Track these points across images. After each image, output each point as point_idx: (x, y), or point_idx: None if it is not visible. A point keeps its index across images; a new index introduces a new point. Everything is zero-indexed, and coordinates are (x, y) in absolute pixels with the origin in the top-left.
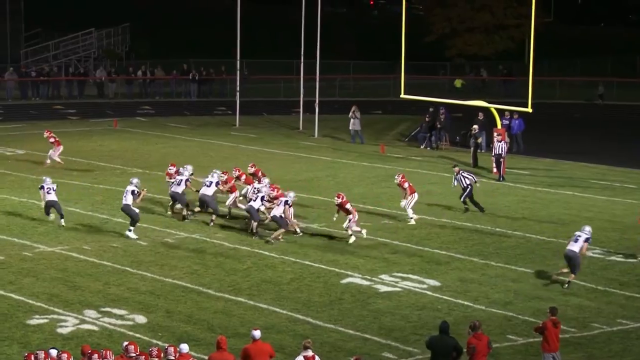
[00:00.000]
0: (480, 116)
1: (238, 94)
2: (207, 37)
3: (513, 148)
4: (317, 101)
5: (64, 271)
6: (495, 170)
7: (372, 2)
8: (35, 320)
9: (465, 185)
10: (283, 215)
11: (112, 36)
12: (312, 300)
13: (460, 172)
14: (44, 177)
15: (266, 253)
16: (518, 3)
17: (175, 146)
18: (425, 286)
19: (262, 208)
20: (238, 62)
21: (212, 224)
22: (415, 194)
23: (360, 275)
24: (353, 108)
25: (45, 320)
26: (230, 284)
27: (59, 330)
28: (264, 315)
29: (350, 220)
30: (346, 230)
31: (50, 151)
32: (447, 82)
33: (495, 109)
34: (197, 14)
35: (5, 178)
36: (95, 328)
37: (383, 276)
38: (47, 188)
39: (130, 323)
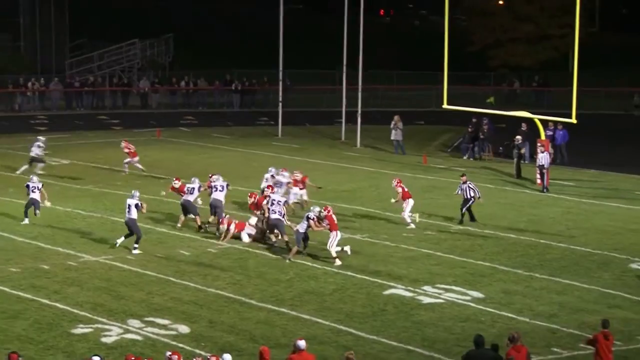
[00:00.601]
0: (524, 127)
1: (280, 104)
2: (250, 47)
3: (557, 159)
4: (359, 111)
5: (108, 281)
6: (539, 181)
7: (382, 12)
8: (79, 330)
9: (469, 196)
10: (302, 230)
11: (155, 47)
12: (355, 312)
13: (468, 182)
14: (30, 176)
15: (309, 264)
16: (562, 13)
17: (217, 156)
18: (468, 298)
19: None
20: (281, 73)
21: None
22: (410, 200)
23: (403, 287)
24: (395, 118)
25: (90, 330)
26: (272, 294)
27: (103, 339)
28: (307, 326)
29: (332, 238)
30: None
31: (128, 159)
32: (491, 92)
33: (539, 119)
34: (239, 25)
35: (50, 188)
36: (138, 337)
37: (426, 287)
38: (32, 187)
39: (174, 333)
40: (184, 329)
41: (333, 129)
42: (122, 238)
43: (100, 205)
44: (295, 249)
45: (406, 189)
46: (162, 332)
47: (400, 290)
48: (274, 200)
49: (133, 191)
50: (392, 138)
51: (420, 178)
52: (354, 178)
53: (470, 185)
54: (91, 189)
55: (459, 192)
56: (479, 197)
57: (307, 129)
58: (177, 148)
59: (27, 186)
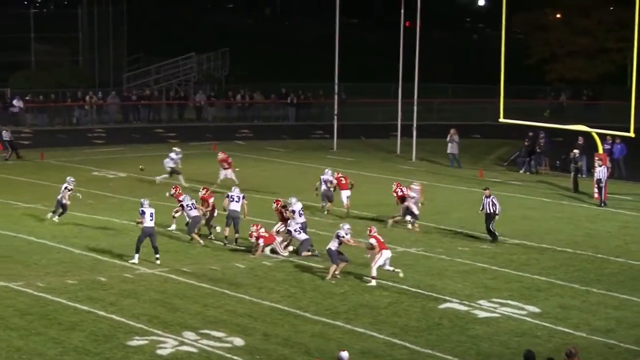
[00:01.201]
0: (581, 140)
1: (336, 117)
2: (306, 60)
3: (615, 173)
4: (414, 124)
5: (163, 293)
6: (596, 195)
7: (407, 24)
8: (135, 342)
9: (491, 211)
10: (336, 248)
11: (211, 60)
12: (410, 325)
13: (491, 197)
14: (67, 177)
15: (363, 277)
16: (620, 27)
17: (272, 169)
18: (524, 312)
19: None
20: (336, 86)
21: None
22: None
23: (458, 301)
24: (451, 131)
25: (145, 342)
26: (327, 307)
27: (159, 351)
28: (361, 339)
29: (378, 258)
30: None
31: (224, 172)
32: (548, 106)
33: (596, 133)
34: (295, 38)
35: (107, 200)
36: (194, 350)
37: (481, 302)
38: (68, 189)
39: (229, 345)
40: (238, 341)
41: (388, 142)
42: (157, 256)
43: (158, 218)
44: (333, 268)
45: (402, 193)
46: (217, 344)
47: (455, 304)
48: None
49: (142, 200)
50: (448, 151)
51: (475, 192)
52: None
53: (493, 200)
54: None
55: (482, 208)
56: (497, 214)
57: (363, 142)
58: (233, 161)
59: (65, 188)
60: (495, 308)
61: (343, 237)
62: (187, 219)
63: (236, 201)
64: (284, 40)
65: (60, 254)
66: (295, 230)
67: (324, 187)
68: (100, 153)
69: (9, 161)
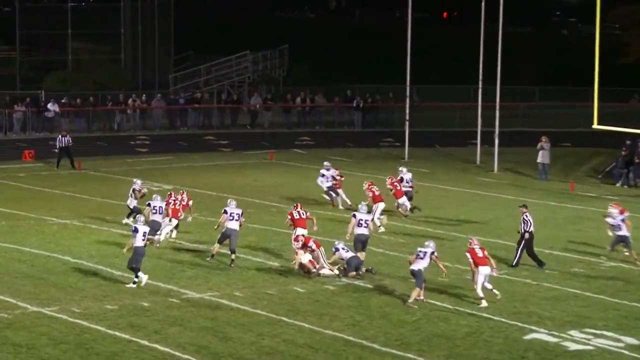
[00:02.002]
0: None
1: (407, 123)
2: (373, 59)
3: None
4: (496, 131)
5: (213, 320)
6: None
7: (445, 14)
8: None
9: (522, 230)
10: (422, 270)
11: (268, 59)
12: (491, 358)
13: (524, 213)
14: (134, 179)
15: (438, 303)
16: None
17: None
18: (622, 345)
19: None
20: (408, 88)
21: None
22: (381, 203)
23: (546, 331)
24: (542, 139)
25: None
26: (397, 337)
27: None
28: None
29: (478, 276)
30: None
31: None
32: None
33: None
34: (361, 35)
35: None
36: None
37: (573, 332)
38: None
39: None
40: None
41: (467, 152)
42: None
43: (205, 235)
44: (416, 291)
45: (377, 192)
46: None
47: (543, 335)
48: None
49: (137, 216)
50: (539, 160)
51: (567, 207)
52: (489, 207)
53: (524, 218)
54: (196, 218)
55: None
56: (526, 231)
57: (437, 151)
58: (292, 172)
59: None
60: (589, 339)
61: (436, 256)
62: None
63: (235, 219)
64: (349, 36)
65: (99, 277)
66: (343, 248)
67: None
68: (144, 163)
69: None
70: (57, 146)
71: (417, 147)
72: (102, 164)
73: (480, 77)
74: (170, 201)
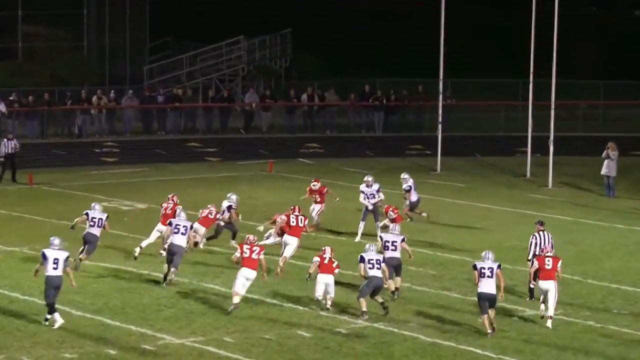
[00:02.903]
0: None
1: (440, 126)
2: (398, 47)
3: None
4: (551, 137)
5: None
6: None
7: None
8: None
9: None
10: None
11: (267, 47)
12: None
13: (535, 234)
14: (228, 194)
15: (479, 351)
16: None
17: (351, 199)
18: None
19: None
20: (441, 83)
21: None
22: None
23: None
24: (609, 146)
25: None
26: None
27: None
28: None
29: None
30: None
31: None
32: None
33: None
34: (382, 16)
35: (120, 241)
36: None
37: None
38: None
39: None
40: None
41: (514, 162)
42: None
43: (188, 267)
44: (487, 318)
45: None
46: None
47: None
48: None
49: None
50: (604, 172)
51: (638, 231)
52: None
53: (535, 239)
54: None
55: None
56: (529, 258)
57: (477, 162)
58: (296, 187)
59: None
60: None
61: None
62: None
63: (182, 233)
64: (367, 18)
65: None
66: (370, 261)
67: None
68: (112, 176)
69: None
70: (2, 152)
71: (452, 156)
72: (60, 177)
73: (532, 69)
74: (166, 205)
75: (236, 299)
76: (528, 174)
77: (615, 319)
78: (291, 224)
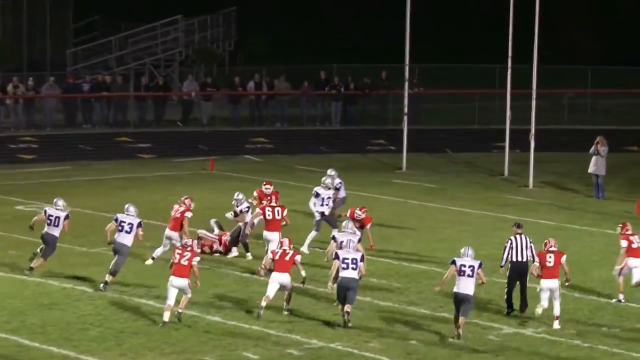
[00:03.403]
0: None
1: (406, 118)
2: (358, 28)
3: None
4: (532, 130)
5: None
6: None
7: None
8: None
9: (508, 259)
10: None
11: (208, 28)
12: None
13: (517, 236)
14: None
15: None
16: None
17: (304, 202)
18: None
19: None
20: (407, 69)
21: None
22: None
23: None
24: (597, 140)
25: None
26: None
27: None
28: None
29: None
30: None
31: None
32: None
33: None
34: None
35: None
36: None
37: None
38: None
39: None
40: None
41: (490, 159)
42: None
43: (118, 279)
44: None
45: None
46: None
47: None
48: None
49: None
50: (591, 171)
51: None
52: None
53: (510, 243)
54: (105, 254)
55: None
56: (502, 265)
57: (449, 158)
58: (241, 188)
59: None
60: None
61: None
62: None
63: (127, 231)
64: None
65: None
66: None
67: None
68: (30, 175)
69: None
70: None
71: (421, 152)
72: None
73: (510, 52)
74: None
75: (166, 315)
76: (506, 173)
77: (604, 339)
78: (267, 217)
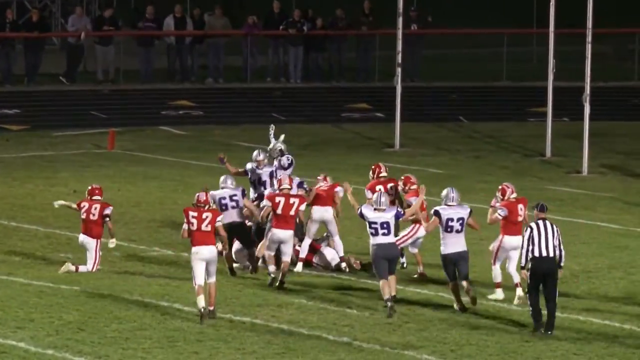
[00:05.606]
0: None
1: (399, 71)
2: None
3: None
4: (587, 90)
5: None
6: None
7: None
8: None
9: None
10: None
11: None
12: None
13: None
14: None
15: None
16: None
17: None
18: None
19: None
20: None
21: None
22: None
23: None
24: None
25: None
26: None
27: None
28: None
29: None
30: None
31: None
32: None
33: None
34: None
35: None
36: None
37: None
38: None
39: None
40: None
41: (525, 131)
42: None
43: None
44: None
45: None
46: None
47: None
48: None
49: None
50: None
51: None
52: (575, 245)
53: (530, 231)
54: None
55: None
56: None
57: (463, 130)
58: (157, 176)
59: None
60: None
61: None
62: None
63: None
64: None
65: None
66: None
67: None
68: None
69: None
70: None
71: (421, 121)
72: None
73: None
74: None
75: (201, 300)
76: (548, 153)
77: None
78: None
